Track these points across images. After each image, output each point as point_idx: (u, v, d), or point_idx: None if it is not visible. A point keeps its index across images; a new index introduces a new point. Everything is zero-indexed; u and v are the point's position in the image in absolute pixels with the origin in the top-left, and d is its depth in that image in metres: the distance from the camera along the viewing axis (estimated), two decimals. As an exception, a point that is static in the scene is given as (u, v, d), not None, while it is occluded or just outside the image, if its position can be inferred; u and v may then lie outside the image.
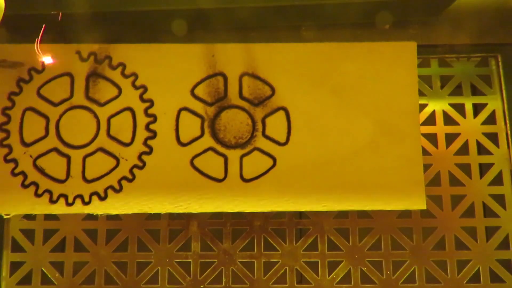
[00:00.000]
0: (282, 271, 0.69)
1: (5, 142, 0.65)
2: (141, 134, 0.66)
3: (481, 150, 0.73)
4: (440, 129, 0.73)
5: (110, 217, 0.70)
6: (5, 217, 0.65)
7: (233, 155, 0.65)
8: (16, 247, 0.70)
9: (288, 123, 0.67)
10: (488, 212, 0.72)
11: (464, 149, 0.73)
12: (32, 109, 0.66)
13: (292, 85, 0.68)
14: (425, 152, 0.71)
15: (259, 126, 0.67)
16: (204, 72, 0.67)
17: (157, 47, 0.68)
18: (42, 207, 0.64)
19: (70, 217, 0.70)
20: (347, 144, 0.66)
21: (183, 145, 0.65)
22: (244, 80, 0.67)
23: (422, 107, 0.73)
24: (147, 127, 0.65)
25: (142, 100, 0.66)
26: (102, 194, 0.64)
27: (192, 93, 0.67)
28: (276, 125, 0.66)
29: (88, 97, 0.66)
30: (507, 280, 0.68)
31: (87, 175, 0.64)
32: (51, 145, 0.65)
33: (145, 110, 0.66)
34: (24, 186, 0.64)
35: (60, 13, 0.61)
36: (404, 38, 0.70)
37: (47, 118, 0.66)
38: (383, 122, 0.66)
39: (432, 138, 0.73)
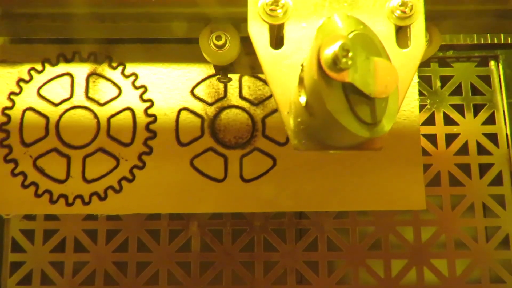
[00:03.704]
0: (282, 271, 0.69)
1: (5, 142, 0.65)
2: (141, 134, 0.65)
3: (481, 150, 0.73)
4: (440, 129, 0.73)
5: (110, 217, 0.69)
6: (5, 217, 0.64)
7: (233, 155, 0.65)
8: (16, 247, 0.69)
9: (288, 123, 0.66)
10: (488, 212, 0.71)
11: (464, 149, 0.72)
12: (32, 109, 0.66)
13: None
14: (425, 152, 0.70)
15: (259, 126, 0.66)
16: (204, 72, 0.67)
17: (157, 47, 0.67)
18: (42, 207, 0.64)
19: (70, 217, 0.69)
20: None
21: (183, 145, 0.65)
22: (244, 81, 0.67)
23: (422, 107, 0.72)
24: (147, 127, 0.65)
25: (142, 100, 0.66)
26: (102, 195, 0.64)
27: (192, 93, 0.66)
28: (276, 125, 0.66)
29: (88, 97, 0.66)
30: (507, 280, 0.68)
31: (87, 175, 0.64)
32: (51, 145, 0.65)
33: (145, 110, 0.66)
34: (24, 186, 0.64)
35: (60, 13, 0.61)
36: (404, 38, 0.70)
37: (47, 118, 0.66)
38: (383, 122, 0.66)
39: (432, 138, 0.73)
